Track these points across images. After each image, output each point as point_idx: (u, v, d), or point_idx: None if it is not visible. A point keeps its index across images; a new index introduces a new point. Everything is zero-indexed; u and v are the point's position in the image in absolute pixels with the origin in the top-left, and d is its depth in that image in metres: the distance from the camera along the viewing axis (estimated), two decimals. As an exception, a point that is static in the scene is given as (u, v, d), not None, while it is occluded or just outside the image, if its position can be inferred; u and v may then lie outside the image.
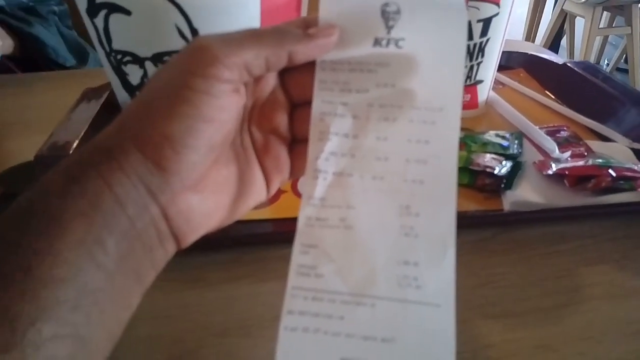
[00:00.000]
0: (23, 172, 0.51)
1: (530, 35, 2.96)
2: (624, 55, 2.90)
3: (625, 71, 2.83)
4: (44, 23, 1.02)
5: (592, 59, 2.74)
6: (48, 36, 1.01)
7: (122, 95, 0.51)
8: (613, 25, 2.92)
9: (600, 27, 2.61)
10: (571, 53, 3.08)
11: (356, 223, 0.26)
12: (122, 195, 0.22)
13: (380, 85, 0.27)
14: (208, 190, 0.26)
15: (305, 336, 0.24)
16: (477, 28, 0.54)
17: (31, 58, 0.99)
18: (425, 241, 0.25)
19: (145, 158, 0.22)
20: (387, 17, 0.27)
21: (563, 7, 2.68)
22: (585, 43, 2.56)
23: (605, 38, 3.06)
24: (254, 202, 0.29)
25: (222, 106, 0.24)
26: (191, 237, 0.26)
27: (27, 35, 0.97)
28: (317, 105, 0.28)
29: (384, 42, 0.27)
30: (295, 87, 0.29)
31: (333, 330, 0.24)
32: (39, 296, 0.19)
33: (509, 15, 0.55)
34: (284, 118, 0.29)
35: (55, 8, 1.05)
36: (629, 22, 2.58)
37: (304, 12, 0.51)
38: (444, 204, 0.26)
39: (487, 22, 0.54)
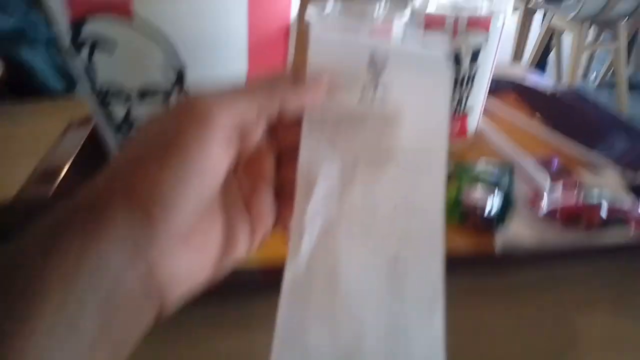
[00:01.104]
0: (3, 213, 0.49)
1: (518, 51, 2.99)
2: (611, 70, 2.94)
3: (613, 85, 2.86)
4: (32, 48, 1.01)
5: (579, 74, 2.77)
6: (37, 61, 1.00)
7: (106, 129, 0.50)
8: (600, 41, 2.97)
9: (587, 42, 2.64)
10: (559, 69, 3.12)
11: (344, 284, 0.26)
12: (106, 254, 0.21)
13: (367, 135, 0.27)
14: (195, 244, 0.25)
15: None
16: (467, 57, 0.54)
17: (19, 83, 0.98)
18: (415, 302, 0.25)
19: (134, 210, 0.22)
20: (375, 69, 0.27)
21: (550, 24, 2.72)
22: (573, 59, 2.59)
23: (593, 53, 3.10)
24: (239, 255, 0.28)
25: (215, 158, 0.24)
26: (177, 296, 0.25)
27: (16, 60, 0.96)
28: (305, 154, 0.27)
29: (370, 94, 0.27)
30: (282, 134, 0.28)
31: None
32: None
33: (498, 44, 0.55)
34: (271, 166, 0.28)
35: (43, 34, 1.04)
36: (615, 38, 2.61)
37: (291, 45, 0.50)
38: (431, 260, 0.26)
39: (476, 52, 0.53)
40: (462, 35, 0.52)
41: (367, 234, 0.26)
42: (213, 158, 0.24)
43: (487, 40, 0.53)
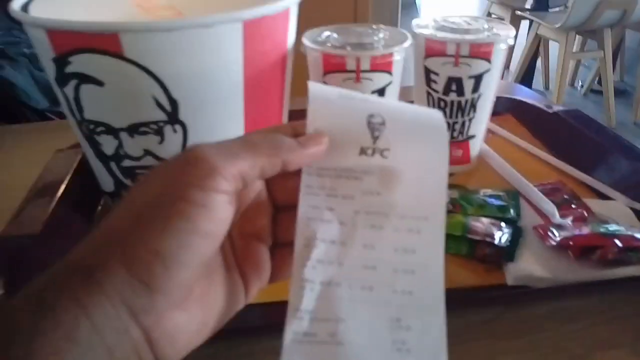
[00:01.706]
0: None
1: (505, 59, 3.00)
2: (598, 77, 2.97)
3: (600, 92, 2.89)
4: (14, 65, 0.99)
5: (567, 82, 2.79)
6: (19, 78, 0.98)
7: (95, 163, 0.48)
8: (585, 49, 2.99)
9: (574, 51, 2.67)
10: (546, 76, 3.15)
11: (346, 338, 0.25)
12: (100, 323, 0.20)
13: (366, 192, 0.27)
14: (194, 306, 0.24)
15: None
16: (469, 84, 0.52)
17: (3, 103, 0.96)
18: (418, 356, 0.25)
19: (132, 277, 0.20)
20: (373, 127, 0.27)
21: (537, 32, 2.74)
22: (560, 67, 2.61)
23: (579, 61, 3.13)
24: (234, 310, 0.27)
25: (219, 219, 0.23)
26: (175, 355, 0.23)
27: None
28: (303, 210, 0.27)
29: (369, 152, 0.27)
30: (279, 191, 0.28)
31: None
32: None
33: (501, 71, 0.53)
34: (267, 222, 0.28)
35: (26, 50, 1.02)
36: (601, 46, 2.64)
37: (287, 76, 0.48)
38: (433, 315, 0.26)
39: (478, 79, 0.52)
40: (465, 61, 0.51)
41: (368, 295, 0.26)
42: (216, 221, 0.23)
43: (489, 67, 0.51)
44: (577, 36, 2.71)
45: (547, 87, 3.18)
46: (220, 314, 0.26)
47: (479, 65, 0.51)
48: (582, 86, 3.15)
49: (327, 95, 0.28)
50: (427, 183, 0.27)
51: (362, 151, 0.27)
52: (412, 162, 0.27)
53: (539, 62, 3.08)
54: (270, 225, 0.28)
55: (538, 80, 3.17)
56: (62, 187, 0.50)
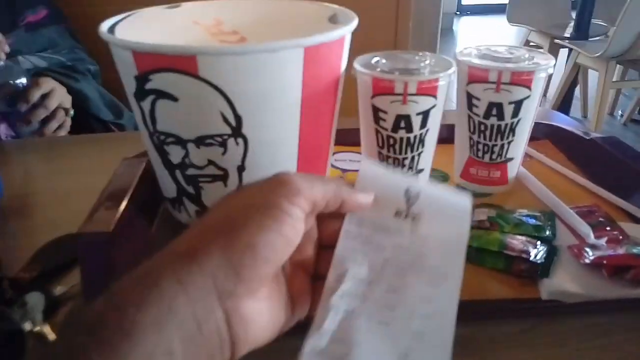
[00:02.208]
0: (63, 247, 0.52)
1: (545, 87, 2.99)
2: (638, 108, 2.92)
3: (640, 123, 2.84)
4: (84, 79, 1.06)
5: (606, 111, 2.75)
6: (90, 91, 1.05)
7: (161, 171, 0.52)
8: (626, 78, 2.96)
9: (614, 80, 2.64)
10: (585, 105, 3.11)
11: None
12: (195, 297, 0.24)
13: (396, 246, 0.33)
14: (262, 301, 0.28)
15: None
16: (509, 109, 0.55)
17: (75, 113, 1.03)
18: None
19: (226, 262, 0.25)
20: (409, 197, 0.34)
21: (576, 61, 2.72)
22: (599, 96, 2.59)
23: (619, 90, 3.09)
24: (286, 326, 0.31)
25: (297, 230, 0.28)
26: (245, 346, 0.27)
27: (74, 91, 1.01)
28: (340, 249, 0.32)
29: (403, 215, 0.34)
30: (325, 231, 0.33)
31: None
32: None
33: (540, 97, 0.56)
34: (312, 254, 0.33)
35: (91, 67, 1.09)
36: (642, 76, 2.61)
37: (339, 95, 0.52)
38: (440, 357, 0.29)
39: (518, 104, 0.55)
40: (506, 88, 0.54)
41: (384, 329, 0.30)
42: (295, 230, 0.28)
43: (529, 94, 0.54)
44: (617, 65, 2.68)
45: (585, 116, 3.14)
46: (275, 322, 0.30)
47: (519, 92, 0.54)
48: (621, 115, 3.11)
49: (374, 169, 0.35)
50: (449, 248, 0.33)
51: (397, 213, 0.34)
52: (438, 230, 0.33)
53: (577, 91, 3.06)
54: (314, 258, 0.33)
55: (576, 108, 3.14)
56: (130, 192, 0.55)
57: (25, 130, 0.93)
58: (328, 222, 0.33)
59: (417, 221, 0.33)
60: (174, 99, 0.45)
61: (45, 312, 0.43)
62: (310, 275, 0.33)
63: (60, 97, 0.95)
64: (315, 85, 0.47)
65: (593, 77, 2.79)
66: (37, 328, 0.41)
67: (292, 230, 0.27)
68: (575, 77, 2.85)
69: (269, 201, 0.27)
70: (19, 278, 0.47)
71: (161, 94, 0.45)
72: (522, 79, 0.53)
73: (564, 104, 2.93)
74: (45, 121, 0.94)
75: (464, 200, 0.34)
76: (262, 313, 0.28)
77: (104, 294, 0.24)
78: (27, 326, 0.41)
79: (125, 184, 0.56)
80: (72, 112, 0.99)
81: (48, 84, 0.93)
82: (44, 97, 0.92)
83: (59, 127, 0.96)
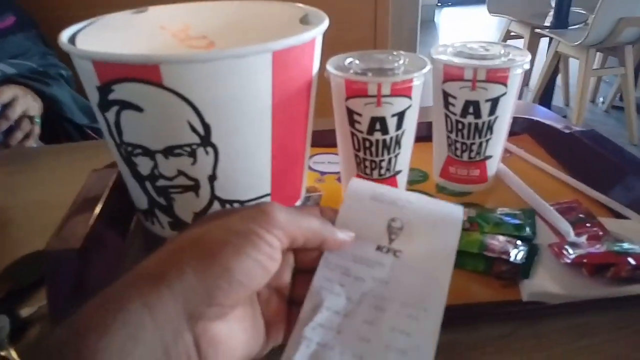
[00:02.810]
0: (31, 265, 0.50)
1: (525, 77, 3.00)
2: (619, 94, 2.95)
3: (621, 109, 2.87)
4: (56, 84, 1.03)
5: (587, 98, 2.77)
6: (63, 95, 1.02)
7: (131, 182, 0.51)
8: (606, 65, 2.98)
9: (594, 67, 2.66)
10: (566, 92, 3.14)
11: None
12: (162, 322, 0.23)
13: (375, 279, 0.32)
14: (234, 323, 0.28)
15: None
16: (486, 107, 0.54)
17: (49, 119, 1.00)
18: None
19: (199, 284, 0.25)
20: (391, 231, 0.33)
21: (557, 49, 2.74)
22: (580, 83, 2.61)
23: (599, 77, 3.12)
24: (258, 350, 0.31)
25: (275, 259, 0.28)
26: None
27: (47, 96, 0.98)
28: (318, 279, 0.32)
29: (384, 250, 0.33)
30: (302, 256, 0.33)
31: None
32: None
33: (517, 93, 0.56)
34: (288, 279, 0.32)
35: (63, 72, 1.06)
36: (622, 63, 2.63)
37: (312, 99, 0.51)
38: None
39: (495, 102, 0.54)
40: (481, 86, 0.53)
41: (359, 357, 0.29)
42: (273, 260, 0.28)
43: (505, 91, 0.53)
44: (597, 53, 2.70)
45: (567, 104, 3.17)
46: (248, 345, 0.29)
47: (495, 89, 0.53)
48: (603, 102, 3.14)
49: (361, 194, 0.35)
50: (431, 282, 0.32)
51: (379, 248, 0.33)
52: (420, 264, 0.32)
53: (558, 79, 3.08)
54: (289, 284, 0.33)
55: (558, 96, 3.16)
56: (100, 204, 0.53)
57: None
58: (309, 249, 0.33)
59: (398, 257, 0.33)
60: (139, 109, 0.43)
61: (11, 336, 0.41)
62: (286, 300, 0.32)
63: (24, 105, 0.93)
64: (286, 89, 0.46)
65: (574, 65, 2.80)
66: (3, 352, 0.40)
67: (269, 260, 0.27)
68: (556, 66, 2.87)
69: (248, 228, 0.27)
70: (-15, 299, 0.45)
71: (125, 105, 0.44)
72: (497, 76, 0.53)
73: (546, 93, 2.95)
74: (9, 132, 0.92)
75: (456, 214, 0.34)
76: (234, 335, 0.28)
77: (67, 319, 0.23)
78: (-8, 349, 0.39)
79: (95, 196, 0.55)
80: (38, 119, 0.96)
81: (7, 93, 0.90)
82: (5, 107, 0.90)
83: (26, 136, 0.94)
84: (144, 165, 0.47)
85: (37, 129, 0.96)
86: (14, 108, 0.90)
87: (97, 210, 0.52)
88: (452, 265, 0.32)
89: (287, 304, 0.33)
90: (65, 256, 0.45)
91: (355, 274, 0.32)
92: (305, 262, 0.33)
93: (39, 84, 0.99)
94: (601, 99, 3.18)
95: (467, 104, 0.55)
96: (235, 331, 0.28)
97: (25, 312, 0.44)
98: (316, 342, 0.30)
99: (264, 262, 0.27)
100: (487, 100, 0.54)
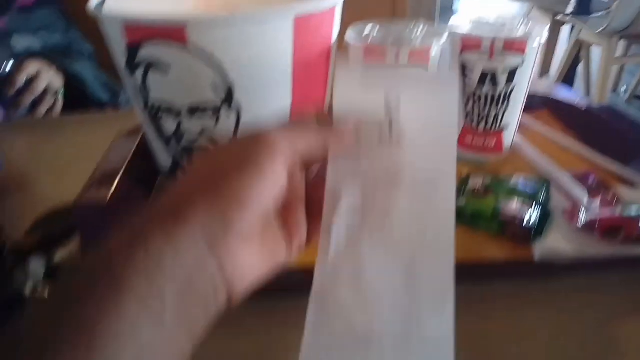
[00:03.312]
0: (61, 216, 0.53)
1: (545, 64, 2.97)
2: (642, 83, 2.90)
3: (644, 99, 2.82)
4: (80, 60, 1.06)
5: (609, 88, 2.73)
6: (86, 72, 1.04)
7: (155, 142, 0.53)
8: (629, 54, 2.93)
9: (616, 56, 2.61)
10: (587, 81, 3.08)
11: (365, 280, 0.30)
12: (183, 251, 0.24)
13: (385, 164, 0.33)
14: (255, 245, 0.28)
15: None
16: (502, 78, 0.55)
17: (72, 94, 1.02)
18: (427, 295, 0.29)
19: (212, 210, 0.25)
20: (389, 108, 0.33)
21: (579, 37, 2.69)
22: (602, 72, 2.56)
23: (622, 66, 3.06)
24: (281, 261, 0.31)
25: (279, 182, 0.28)
26: (242, 290, 0.28)
27: (70, 72, 1.01)
28: (331, 176, 0.32)
29: (386, 129, 0.33)
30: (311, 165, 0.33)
31: None
32: (101, 352, 0.21)
33: (534, 64, 0.56)
34: (302, 190, 0.33)
35: (86, 48, 1.09)
36: (645, 51, 2.57)
37: (332, 65, 0.52)
38: (443, 262, 0.30)
39: (512, 73, 0.55)
40: (499, 56, 0.53)
41: (386, 242, 0.30)
42: (279, 174, 0.28)
43: (523, 61, 0.54)
44: (621, 41, 2.65)
45: (588, 93, 3.12)
46: (270, 262, 0.30)
47: (513, 60, 0.54)
48: (625, 92, 3.08)
49: (350, 80, 0.34)
50: (440, 154, 0.32)
51: (381, 133, 0.33)
52: (426, 139, 0.32)
53: (579, 69, 3.03)
54: (303, 190, 0.33)
55: (579, 86, 3.11)
56: (125, 166, 0.55)
57: (14, 115, 0.93)
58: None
59: (402, 134, 0.33)
60: (165, 68, 0.45)
61: (46, 277, 0.44)
62: (304, 206, 0.33)
63: (48, 79, 0.95)
64: (306, 54, 0.47)
65: (596, 54, 2.76)
66: (38, 292, 0.42)
67: (274, 177, 0.28)
68: (577, 54, 2.82)
69: (250, 159, 0.27)
70: (20, 245, 0.47)
71: (152, 65, 0.45)
72: (515, 46, 0.53)
73: (566, 82, 2.91)
74: (35, 105, 0.94)
75: (450, 78, 0.33)
76: (256, 254, 0.28)
77: (93, 252, 0.24)
78: (28, 290, 0.42)
79: (120, 157, 0.57)
80: (60, 94, 0.98)
81: (33, 66, 0.92)
82: (31, 80, 0.92)
83: (49, 109, 0.96)
84: (169, 123, 0.49)
85: (59, 103, 0.98)
86: (38, 81, 0.93)
87: (122, 170, 0.54)
88: (455, 135, 0.33)
89: (306, 209, 0.33)
90: (94, 207, 0.48)
91: (364, 164, 0.33)
92: (314, 169, 0.33)
93: (62, 60, 1.01)
94: (623, 89, 3.12)
95: (484, 74, 0.55)
96: (258, 250, 0.28)
97: (58, 256, 0.47)
98: (344, 233, 0.31)
99: (270, 178, 0.27)
100: (504, 71, 0.55)
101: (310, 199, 0.33)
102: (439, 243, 0.30)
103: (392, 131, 0.33)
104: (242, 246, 0.27)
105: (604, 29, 2.42)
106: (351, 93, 0.34)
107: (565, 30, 2.91)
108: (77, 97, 1.03)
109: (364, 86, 0.34)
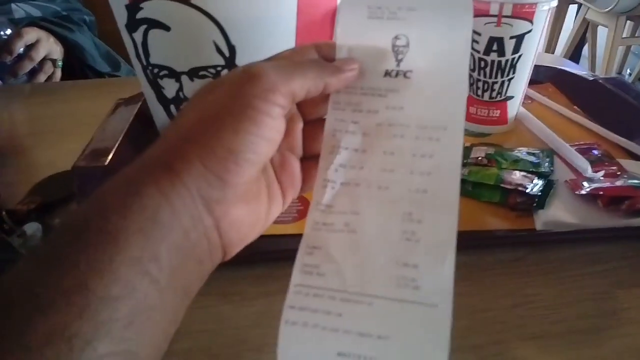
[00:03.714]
0: (59, 182, 0.52)
1: (550, 44, 2.93)
2: (648, 65, 2.87)
3: (649, 81, 2.79)
4: (79, 30, 1.04)
5: (614, 69, 2.70)
6: (86, 42, 1.03)
7: (156, 107, 0.52)
8: (636, 35, 2.89)
9: (623, 36, 2.58)
10: (593, 62, 3.05)
11: (360, 227, 0.28)
12: (179, 209, 0.23)
13: (389, 107, 0.30)
14: (252, 201, 0.28)
15: (305, 330, 0.26)
16: (510, 45, 0.54)
17: (71, 65, 1.01)
18: (426, 246, 0.27)
19: (207, 171, 0.24)
20: (397, 50, 0.30)
21: (585, 16, 2.66)
22: (607, 53, 2.54)
23: (628, 47, 3.03)
24: (277, 212, 0.30)
25: (277, 128, 0.26)
26: (237, 247, 0.27)
27: (70, 42, 0.99)
28: (330, 122, 0.30)
29: (393, 73, 0.30)
30: (306, 105, 0.30)
31: (331, 326, 0.26)
32: (95, 315, 0.20)
33: (542, 32, 0.55)
34: (299, 135, 0.31)
35: (86, 17, 1.07)
36: (652, 32, 2.54)
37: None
38: (446, 212, 0.27)
39: (519, 39, 0.54)
40: (507, 22, 0.52)
41: (383, 193, 0.28)
42: (276, 129, 0.26)
43: (531, 28, 0.53)
44: (628, 21, 2.61)
45: (594, 74, 3.09)
46: (267, 214, 0.29)
47: (521, 26, 0.53)
48: (630, 74, 3.05)
49: (356, 13, 0.30)
50: (447, 97, 0.29)
51: (387, 73, 0.30)
52: (434, 80, 0.30)
53: (585, 49, 3.00)
54: (300, 138, 0.31)
55: (584, 67, 3.08)
56: (124, 130, 0.54)
57: (12, 82, 0.92)
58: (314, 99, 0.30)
59: (409, 77, 0.30)
60: (166, 28, 0.44)
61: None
62: (299, 156, 0.31)
63: (47, 48, 0.93)
64: (310, 14, 0.46)
65: (602, 35, 2.72)
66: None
67: (271, 131, 0.26)
68: (583, 34, 2.79)
69: (243, 102, 0.25)
70: (18, 210, 0.47)
71: (153, 24, 0.44)
72: (524, 12, 0.52)
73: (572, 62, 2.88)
74: (33, 73, 0.93)
75: (464, 13, 0.29)
76: (253, 211, 0.27)
77: (88, 200, 0.23)
78: (26, 254, 0.41)
79: (121, 123, 0.56)
80: (60, 63, 0.97)
81: (32, 34, 0.91)
82: (30, 48, 0.91)
83: (48, 79, 0.95)
84: (170, 87, 0.48)
85: (58, 73, 0.97)
86: (37, 49, 0.91)
87: (122, 136, 0.53)
88: (466, 75, 0.30)
89: (302, 159, 0.31)
90: (94, 172, 0.47)
91: (367, 107, 0.30)
92: (313, 112, 0.31)
93: (62, 29, 0.99)
94: (628, 71, 3.09)
95: (492, 40, 0.54)
96: (254, 207, 0.28)
97: (55, 221, 0.46)
98: (340, 183, 0.29)
99: (267, 134, 0.25)
100: (511, 37, 0.54)
101: (306, 144, 0.31)
102: (443, 196, 0.28)
103: (400, 66, 0.30)
104: (239, 204, 0.26)
105: (611, 9, 2.38)
106: (355, 27, 0.30)
107: (572, 10, 2.87)
108: (77, 68, 1.01)
109: (370, 23, 0.30)
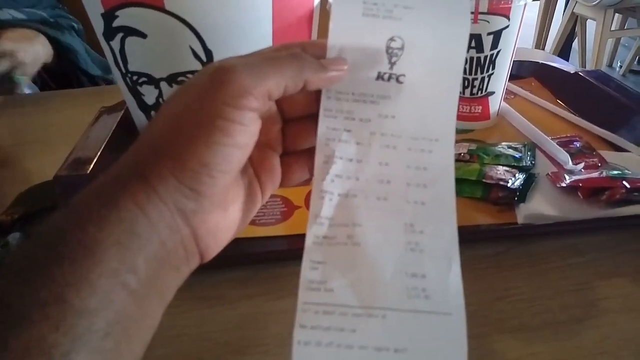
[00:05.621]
0: (43, 192, 0.52)
1: (540, 39, 2.94)
2: (637, 57, 2.88)
3: (639, 73, 2.81)
4: (69, 34, 1.04)
5: (604, 62, 2.72)
6: (77, 45, 1.02)
7: (137, 114, 0.52)
8: (625, 27, 2.90)
9: (612, 29, 2.59)
10: (583, 56, 3.07)
11: (363, 240, 0.27)
12: (156, 221, 0.23)
13: (381, 115, 0.29)
14: (229, 206, 0.27)
15: (319, 350, 0.25)
16: (488, 41, 0.54)
17: (62, 68, 1.00)
18: (431, 255, 0.27)
19: (182, 185, 0.24)
20: (391, 53, 0.29)
21: (574, 10, 2.67)
22: (597, 46, 2.55)
23: (618, 40, 3.04)
24: (255, 209, 0.30)
25: (252, 133, 0.26)
26: (214, 251, 0.27)
27: (62, 44, 0.99)
28: (323, 131, 0.29)
29: (386, 77, 0.29)
30: (288, 104, 0.29)
31: (346, 343, 0.25)
32: (72, 327, 0.20)
33: (519, 27, 0.55)
34: (278, 132, 0.30)
35: (74, 25, 1.07)
36: (641, 24, 2.56)
37: (314, 30, 0.51)
38: (445, 222, 0.27)
39: (497, 35, 0.54)
40: (484, 18, 0.53)
41: (383, 204, 0.28)
42: (249, 135, 0.25)
43: (508, 24, 0.53)
44: (616, 15, 2.63)
45: (583, 67, 3.10)
46: (245, 213, 0.29)
47: (498, 22, 0.53)
48: (620, 66, 3.07)
49: (350, 14, 0.29)
50: (439, 107, 0.29)
51: (379, 76, 0.29)
52: (426, 88, 0.29)
53: (575, 44, 3.01)
54: (280, 136, 0.30)
55: (574, 61, 3.09)
56: (107, 139, 0.54)
57: None
58: (291, 94, 0.28)
59: (402, 82, 0.29)
60: (142, 35, 0.44)
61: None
62: (277, 153, 0.30)
63: (15, 62, 0.88)
64: (286, 18, 0.46)
65: (591, 28, 2.74)
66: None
67: (245, 137, 0.25)
68: (573, 28, 2.80)
69: (211, 111, 0.24)
70: (1, 220, 0.47)
71: (129, 31, 0.45)
72: (500, 8, 0.52)
73: (561, 56, 2.89)
74: None
75: (462, 15, 0.29)
76: (230, 215, 0.27)
77: (62, 210, 0.23)
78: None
79: (103, 130, 0.56)
80: (20, 78, 0.90)
81: (8, 44, 0.88)
82: None
83: (11, 92, 0.89)
84: (149, 94, 0.49)
85: (21, 87, 0.91)
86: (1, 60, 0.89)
87: (104, 144, 0.53)
88: (459, 82, 0.29)
89: (282, 155, 0.30)
90: (75, 180, 0.47)
91: (359, 115, 0.29)
92: (292, 109, 0.30)
93: (55, 31, 0.99)
94: (619, 63, 3.10)
95: (469, 37, 0.54)
96: (231, 212, 0.27)
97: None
98: (337, 194, 0.28)
99: (240, 141, 0.25)
100: (489, 34, 0.54)
101: (287, 141, 0.30)
102: (441, 207, 0.28)
103: (393, 69, 0.29)
104: (216, 212, 0.26)
105: (598, 2, 2.40)
106: (348, 25, 0.29)
107: (560, 4, 2.89)
108: (70, 71, 1.01)
109: (364, 27, 0.29)
